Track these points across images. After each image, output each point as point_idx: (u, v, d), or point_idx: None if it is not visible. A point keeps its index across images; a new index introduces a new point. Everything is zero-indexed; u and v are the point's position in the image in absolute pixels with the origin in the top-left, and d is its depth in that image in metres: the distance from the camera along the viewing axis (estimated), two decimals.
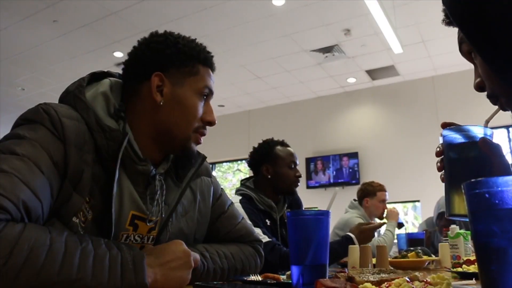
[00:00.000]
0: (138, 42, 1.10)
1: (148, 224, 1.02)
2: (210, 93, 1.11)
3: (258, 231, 1.94)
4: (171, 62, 1.05)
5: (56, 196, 0.87)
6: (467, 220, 0.59)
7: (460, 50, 0.83)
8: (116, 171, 0.93)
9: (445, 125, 0.89)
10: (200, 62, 1.08)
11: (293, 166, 2.26)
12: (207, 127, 1.10)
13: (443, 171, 0.87)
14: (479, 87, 0.80)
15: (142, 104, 1.05)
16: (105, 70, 1.12)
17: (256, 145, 2.35)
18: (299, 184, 2.27)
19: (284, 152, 2.28)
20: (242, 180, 2.34)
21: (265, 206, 2.17)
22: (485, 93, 0.81)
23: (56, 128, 0.89)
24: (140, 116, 1.05)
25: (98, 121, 0.95)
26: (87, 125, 0.94)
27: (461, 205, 0.81)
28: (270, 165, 2.24)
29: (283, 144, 2.34)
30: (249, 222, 1.94)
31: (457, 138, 0.86)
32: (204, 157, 1.18)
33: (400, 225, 3.42)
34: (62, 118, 0.90)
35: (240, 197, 2.17)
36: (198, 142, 1.09)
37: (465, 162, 0.85)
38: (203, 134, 1.09)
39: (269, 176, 2.23)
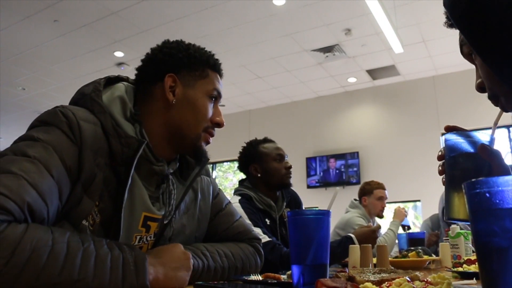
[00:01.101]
0: (151, 49, 1.14)
1: (165, 222, 1.05)
2: (219, 96, 1.15)
3: (258, 230, 1.94)
4: (183, 65, 1.10)
5: (66, 200, 0.87)
6: (466, 223, 0.60)
7: (461, 51, 0.84)
8: (129, 177, 0.94)
9: (448, 129, 0.90)
10: (209, 66, 1.13)
11: (280, 159, 2.24)
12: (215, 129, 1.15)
13: (444, 174, 0.88)
14: (480, 88, 0.81)
15: (155, 105, 1.08)
16: (116, 75, 1.13)
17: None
18: (291, 176, 2.25)
19: (268, 148, 2.28)
20: (240, 180, 2.34)
21: (264, 205, 2.16)
22: (486, 94, 0.82)
23: (74, 131, 0.89)
24: (153, 116, 1.07)
25: (114, 125, 0.96)
26: (103, 129, 0.95)
27: (460, 209, 0.82)
28: (257, 163, 2.25)
29: (266, 141, 2.34)
30: (248, 222, 1.95)
31: (459, 142, 0.86)
32: (208, 158, 1.20)
33: (405, 227, 3.39)
34: (80, 121, 0.91)
35: (239, 197, 2.15)
36: (207, 142, 1.13)
37: (465, 166, 0.85)
38: (212, 135, 1.14)
39: (258, 175, 2.23)
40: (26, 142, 0.85)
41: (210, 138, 1.14)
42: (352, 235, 2.03)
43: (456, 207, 0.83)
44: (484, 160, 0.83)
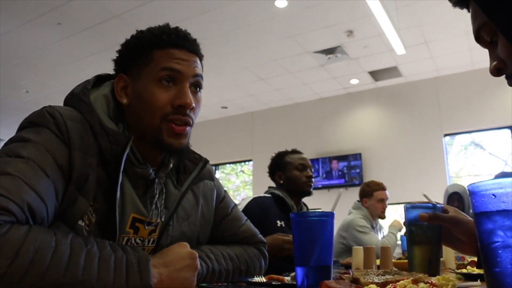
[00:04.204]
0: None
1: (146, 227, 1.02)
2: (177, 73, 1.01)
3: None
4: (127, 60, 1.05)
5: (61, 199, 0.87)
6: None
7: (477, 37, 0.81)
8: (119, 174, 0.93)
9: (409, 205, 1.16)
10: (154, 47, 1.02)
11: (302, 168, 2.44)
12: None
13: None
14: (496, 70, 0.78)
15: (125, 109, 1.05)
16: (110, 73, 1.12)
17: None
18: (311, 184, 2.45)
19: (292, 158, 2.50)
20: (269, 187, 2.55)
21: (290, 206, 2.36)
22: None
23: (61, 131, 0.89)
24: (127, 119, 1.05)
25: (101, 123, 0.96)
26: (91, 128, 0.95)
27: (421, 266, 1.08)
28: (281, 172, 2.47)
29: (293, 152, 2.56)
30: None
31: (413, 212, 1.11)
32: (206, 161, 1.17)
33: None
34: (67, 121, 0.91)
35: (269, 195, 2.39)
36: (175, 133, 1.00)
37: (420, 232, 1.10)
38: (180, 121, 1.00)
39: (281, 182, 2.46)
40: (18, 144, 0.85)
41: (180, 128, 1.00)
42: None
43: (417, 265, 1.08)
44: (434, 225, 1.08)
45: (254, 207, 2.26)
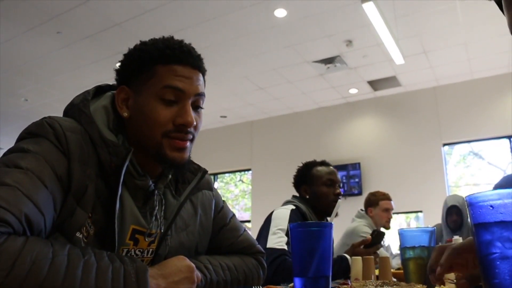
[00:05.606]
0: None
1: (146, 239, 1.01)
2: (180, 91, 0.99)
3: (283, 239, 1.95)
4: (130, 72, 1.03)
5: (59, 210, 0.86)
6: None
7: None
8: (119, 186, 0.92)
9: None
10: (157, 62, 0.99)
11: (330, 184, 2.24)
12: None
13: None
14: None
15: (125, 121, 1.04)
16: (110, 83, 1.12)
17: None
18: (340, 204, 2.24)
19: (321, 171, 2.29)
20: (293, 196, 2.36)
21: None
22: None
23: (61, 142, 0.89)
24: (127, 131, 1.04)
25: (101, 135, 0.95)
26: (90, 139, 0.94)
27: (414, 279, 1.12)
28: (307, 185, 2.27)
29: (322, 164, 2.35)
30: (282, 227, 1.97)
31: (407, 236, 1.16)
32: (205, 171, 1.17)
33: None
34: (66, 132, 0.91)
35: (293, 207, 2.16)
36: (177, 147, 0.99)
37: (414, 254, 1.14)
38: (182, 139, 1.00)
39: (307, 196, 2.26)
40: (17, 154, 0.85)
41: (182, 142, 1.00)
42: (348, 256, 1.99)
43: (412, 278, 1.11)
44: (422, 249, 1.11)
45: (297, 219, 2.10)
